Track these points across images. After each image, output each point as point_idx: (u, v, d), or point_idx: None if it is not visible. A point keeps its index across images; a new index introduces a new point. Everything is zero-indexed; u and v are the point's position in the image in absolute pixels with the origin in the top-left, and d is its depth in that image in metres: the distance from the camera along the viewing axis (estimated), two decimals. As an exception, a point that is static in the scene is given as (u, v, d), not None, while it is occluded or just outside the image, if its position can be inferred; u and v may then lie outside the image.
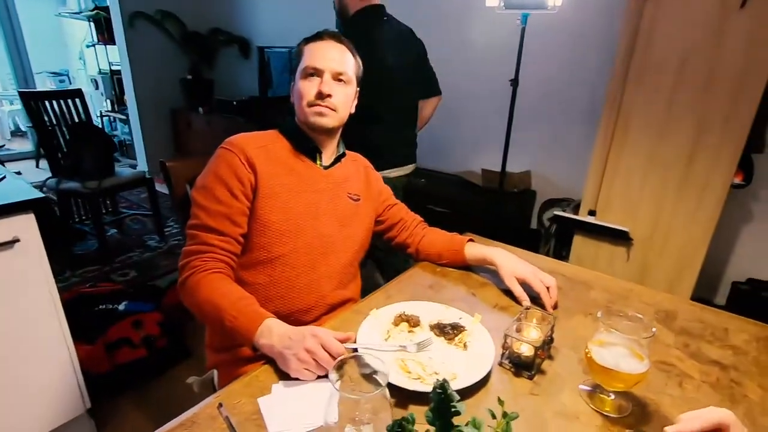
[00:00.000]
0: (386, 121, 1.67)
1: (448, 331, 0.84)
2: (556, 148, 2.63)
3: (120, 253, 2.75)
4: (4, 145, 4.25)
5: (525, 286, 0.98)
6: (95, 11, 4.49)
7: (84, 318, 1.76)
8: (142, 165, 4.36)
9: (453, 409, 0.43)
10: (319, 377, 0.71)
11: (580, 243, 2.11)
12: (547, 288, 0.96)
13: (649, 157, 1.81)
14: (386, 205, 1.16)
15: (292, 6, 3.79)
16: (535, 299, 0.97)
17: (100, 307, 1.84)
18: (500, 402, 0.47)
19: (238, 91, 4.37)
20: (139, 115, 4.15)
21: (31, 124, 4.83)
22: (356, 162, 1.13)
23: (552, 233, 2.40)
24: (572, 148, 2.57)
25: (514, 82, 1.88)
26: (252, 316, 0.78)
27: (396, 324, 0.86)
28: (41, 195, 1.09)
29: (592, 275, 1.13)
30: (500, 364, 0.77)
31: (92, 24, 4.64)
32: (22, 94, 2.50)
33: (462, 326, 0.84)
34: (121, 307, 1.86)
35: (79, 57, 6.03)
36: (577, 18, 2.32)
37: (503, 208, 2.43)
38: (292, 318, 0.96)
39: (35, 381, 1.24)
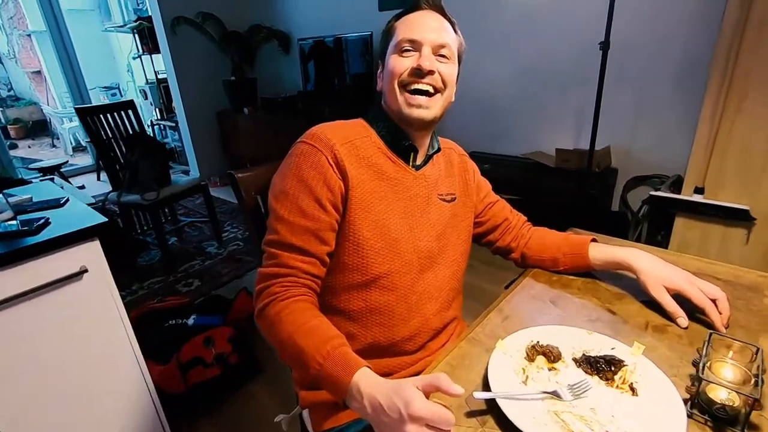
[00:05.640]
0: None
1: (603, 367, 0.65)
2: (640, 118, 2.32)
3: (182, 262, 2.74)
4: (68, 161, 4.42)
5: (677, 297, 0.78)
6: (138, 22, 4.55)
7: (155, 335, 1.72)
8: (194, 171, 4.40)
9: None
10: None
11: (683, 226, 1.83)
12: (713, 301, 0.75)
13: (774, 122, 1.51)
14: (487, 203, 0.96)
15: (331, -7, 3.63)
16: (692, 313, 0.76)
17: (170, 322, 1.80)
18: None
19: (282, 87, 4.29)
20: (187, 121, 4.17)
21: (89, 139, 5.04)
22: (447, 152, 0.92)
23: (645, 215, 2.12)
24: (661, 118, 2.25)
25: (605, 45, 1.60)
26: (342, 365, 0.58)
27: (531, 359, 0.68)
28: (104, 219, 1.00)
29: (755, 276, 0.89)
30: (690, 416, 0.58)
31: (136, 36, 4.72)
32: (78, 110, 2.51)
33: (620, 360, 0.65)
34: (190, 321, 1.80)
35: (127, 69, 6.22)
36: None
37: (583, 190, 2.18)
38: (394, 349, 0.81)
39: (113, 412, 1.18)
